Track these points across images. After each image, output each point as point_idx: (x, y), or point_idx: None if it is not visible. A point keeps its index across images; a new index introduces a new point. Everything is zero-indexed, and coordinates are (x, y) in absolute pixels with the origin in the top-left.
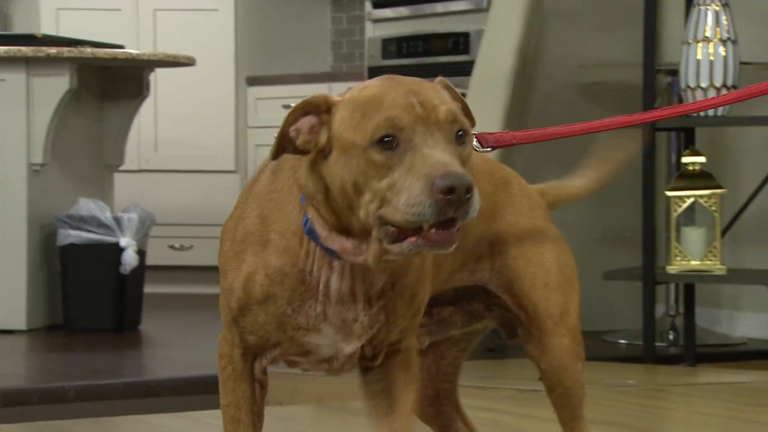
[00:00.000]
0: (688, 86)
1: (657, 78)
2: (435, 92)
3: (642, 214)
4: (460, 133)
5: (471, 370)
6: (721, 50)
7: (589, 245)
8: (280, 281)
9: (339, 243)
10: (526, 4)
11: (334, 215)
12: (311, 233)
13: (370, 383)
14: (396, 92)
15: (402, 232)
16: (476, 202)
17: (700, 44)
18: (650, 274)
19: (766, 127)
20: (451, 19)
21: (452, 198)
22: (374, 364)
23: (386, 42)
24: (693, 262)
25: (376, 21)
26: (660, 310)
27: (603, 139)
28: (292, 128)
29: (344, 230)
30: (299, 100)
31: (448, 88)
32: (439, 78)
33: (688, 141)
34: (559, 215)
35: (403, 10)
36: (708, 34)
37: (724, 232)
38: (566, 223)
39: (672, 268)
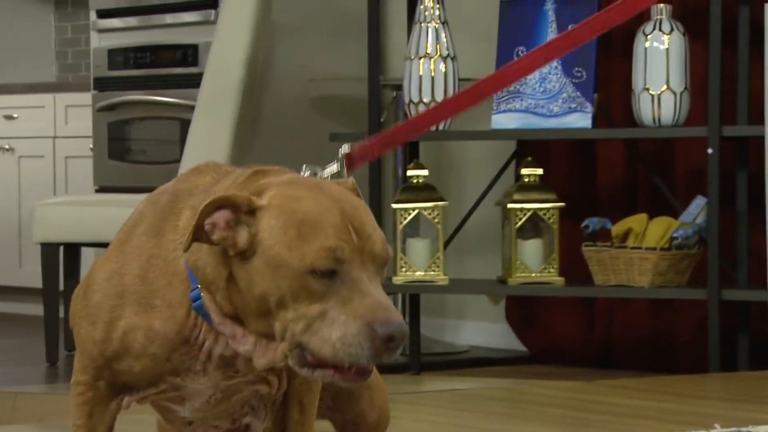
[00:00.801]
0: (411, 101)
1: (383, 92)
2: (367, 215)
3: None
4: (385, 262)
5: None
6: (442, 66)
7: None
8: (160, 344)
9: (233, 331)
10: (254, 17)
11: (233, 307)
12: (201, 311)
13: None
14: (332, 214)
15: (318, 362)
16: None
17: (421, 60)
18: None
19: (487, 141)
20: (180, 30)
21: (392, 346)
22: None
23: (112, 52)
24: (418, 273)
25: (101, 31)
26: None
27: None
28: (207, 221)
29: (240, 321)
30: (23, 111)
31: (355, 191)
32: (351, 180)
33: (412, 154)
34: None
35: (130, 21)
36: (429, 50)
37: (446, 244)
38: None
39: (398, 279)
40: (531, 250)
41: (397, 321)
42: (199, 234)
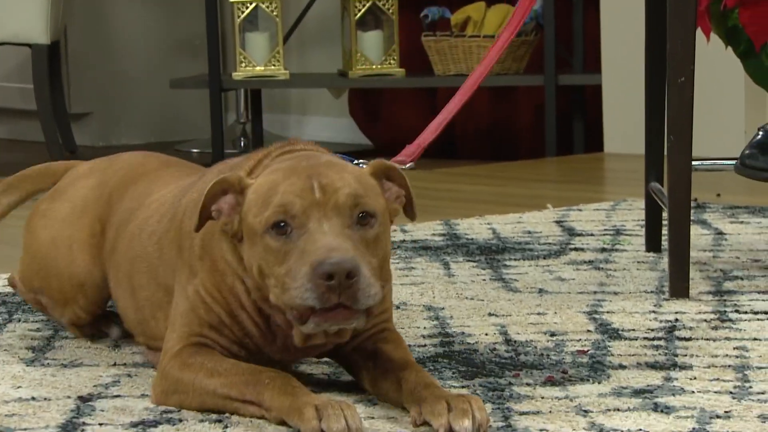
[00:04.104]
0: None
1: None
2: (339, 175)
3: (206, 20)
4: (362, 215)
5: None
6: None
7: (157, 54)
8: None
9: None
10: None
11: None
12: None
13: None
14: (297, 176)
15: (302, 314)
16: (368, 285)
17: None
18: (216, 81)
19: None
20: None
21: (332, 284)
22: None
23: None
24: (257, 68)
25: None
26: (231, 118)
27: None
28: (213, 207)
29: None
30: None
31: (387, 171)
32: (378, 161)
33: None
34: (127, 26)
35: None
36: None
37: (286, 38)
38: (133, 34)
39: (237, 75)
40: (371, 41)
41: (336, 257)
42: (206, 216)
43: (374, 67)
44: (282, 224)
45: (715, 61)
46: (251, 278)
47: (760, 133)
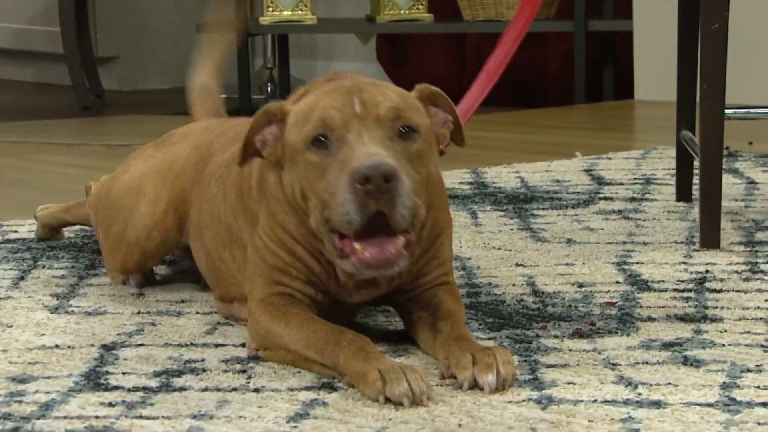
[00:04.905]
0: None
1: None
2: (381, 91)
3: None
4: (405, 129)
5: (61, 128)
6: None
7: None
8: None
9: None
10: None
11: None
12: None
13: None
14: (337, 93)
15: (344, 246)
16: (407, 194)
17: None
18: (243, 26)
19: None
20: None
21: (370, 188)
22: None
23: None
24: (285, 13)
25: None
26: (258, 63)
27: (206, 35)
28: (257, 138)
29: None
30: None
31: (434, 96)
32: (424, 85)
33: None
34: None
35: None
36: None
37: None
38: None
39: (264, 20)
40: None
41: (372, 161)
42: (249, 148)
43: (402, 12)
44: (322, 138)
45: (750, 4)
46: (296, 207)
47: None
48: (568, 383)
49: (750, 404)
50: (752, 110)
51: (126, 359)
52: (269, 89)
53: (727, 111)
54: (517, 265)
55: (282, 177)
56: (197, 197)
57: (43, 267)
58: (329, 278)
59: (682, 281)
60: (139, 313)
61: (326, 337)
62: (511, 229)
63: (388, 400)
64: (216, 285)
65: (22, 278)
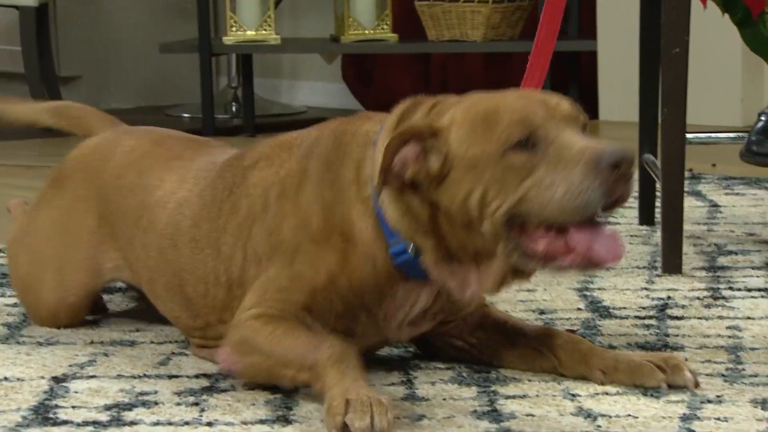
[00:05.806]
0: None
1: None
2: (546, 93)
3: None
4: (584, 126)
5: (22, 149)
6: None
7: (148, 17)
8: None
9: (447, 272)
10: None
11: (439, 240)
12: (406, 265)
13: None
14: (512, 98)
15: (551, 246)
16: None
17: None
18: (206, 46)
19: None
20: None
21: (621, 172)
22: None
23: None
24: (249, 33)
25: None
26: (223, 82)
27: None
28: (396, 159)
29: (450, 258)
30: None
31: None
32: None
33: None
34: None
35: None
36: None
37: (278, 2)
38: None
39: (228, 39)
40: (363, 6)
41: (618, 147)
42: (389, 174)
43: (367, 32)
44: (525, 140)
45: (711, 28)
46: (462, 217)
47: (762, 118)
48: (527, 415)
49: None
50: (713, 135)
51: (77, 392)
52: (234, 109)
53: (688, 135)
54: None
55: (432, 195)
56: (149, 227)
57: None
58: (372, 322)
59: (644, 308)
60: (92, 342)
61: (308, 341)
62: None
63: (346, 427)
64: (188, 318)
65: None
